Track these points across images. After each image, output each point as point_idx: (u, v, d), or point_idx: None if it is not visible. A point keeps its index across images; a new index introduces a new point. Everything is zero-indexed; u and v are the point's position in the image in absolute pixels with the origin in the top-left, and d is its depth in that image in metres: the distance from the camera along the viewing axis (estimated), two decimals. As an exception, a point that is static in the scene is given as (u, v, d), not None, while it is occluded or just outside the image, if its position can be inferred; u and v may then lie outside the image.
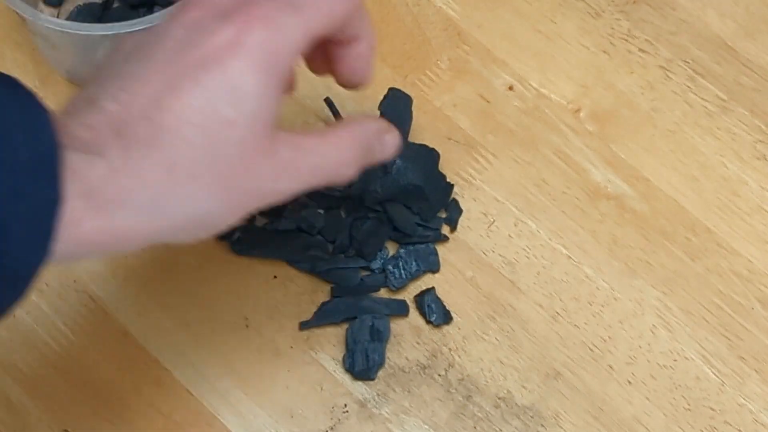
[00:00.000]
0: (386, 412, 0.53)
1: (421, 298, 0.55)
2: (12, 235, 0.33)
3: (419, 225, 0.56)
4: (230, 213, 0.40)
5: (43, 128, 0.35)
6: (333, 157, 0.42)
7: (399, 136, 0.47)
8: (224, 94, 0.38)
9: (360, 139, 0.44)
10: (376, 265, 0.55)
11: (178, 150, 0.37)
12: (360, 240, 0.55)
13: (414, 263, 0.55)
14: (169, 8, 0.52)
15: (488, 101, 0.60)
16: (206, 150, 0.37)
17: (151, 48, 0.39)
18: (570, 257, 0.56)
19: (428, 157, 0.57)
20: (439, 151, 0.57)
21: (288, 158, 0.40)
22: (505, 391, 0.53)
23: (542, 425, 0.53)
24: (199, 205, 0.38)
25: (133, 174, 0.36)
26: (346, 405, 0.53)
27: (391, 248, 0.56)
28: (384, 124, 0.46)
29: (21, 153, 0.34)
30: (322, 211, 0.55)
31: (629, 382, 0.54)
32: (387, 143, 0.46)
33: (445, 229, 0.57)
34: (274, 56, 0.39)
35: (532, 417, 0.53)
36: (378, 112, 0.57)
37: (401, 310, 0.54)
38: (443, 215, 0.57)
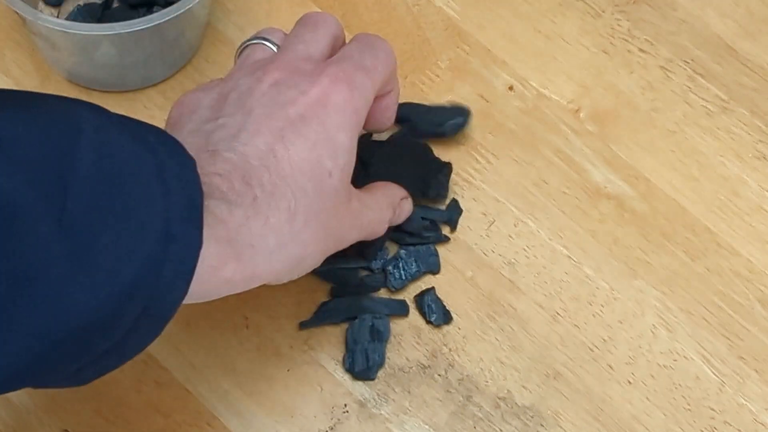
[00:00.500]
0: (386, 412, 0.53)
1: (421, 298, 0.54)
2: (164, 277, 0.35)
3: (424, 219, 0.55)
4: (322, 258, 0.44)
5: (192, 176, 0.37)
6: (378, 215, 0.48)
7: (412, 203, 0.53)
8: (324, 147, 0.42)
9: (390, 201, 0.50)
10: (376, 265, 0.55)
11: (296, 197, 0.41)
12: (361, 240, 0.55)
13: (414, 264, 0.55)
14: (169, 9, 0.53)
15: (488, 101, 0.60)
16: (315, 198, 0.42)
17: (244, 103, 0.43)
18: (570, 257, 0.56)
19: (413, 149, 0.56)
20: (435, 149, 0.57)
21: (357, 210, 0.46)
22: (505, 391, 0.53)
23: (542, 425, 0.53)
24: (308, 250, 0.42)
25: (263, 220, 0.40)
26: (346, 405, 0.53)
27: (392, 249, 0.56)
28: (403, 191, 0.52)
29: (175, 199, 0.36)
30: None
31: (629, 382, 0.54)
32: (404, 208, 0.52)
33: (445, 230, 0.57)
34: (357, 114, 0.44)
35: (532, 417, 0.53)
36: None
37: (401, 310, 0.54)
38: (443, 206, 0.57)
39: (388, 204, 0.50)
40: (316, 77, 0.43)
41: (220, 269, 0.38)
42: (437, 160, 0.57)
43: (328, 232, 0.43)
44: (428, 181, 0.55)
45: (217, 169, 0.40)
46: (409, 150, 0.56)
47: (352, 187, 0.45)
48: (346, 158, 0.43)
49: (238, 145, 0.41)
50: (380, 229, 0.49)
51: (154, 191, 0.35)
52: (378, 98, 0.47)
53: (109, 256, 0.33)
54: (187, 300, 0.37)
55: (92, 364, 0.36)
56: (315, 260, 0.44)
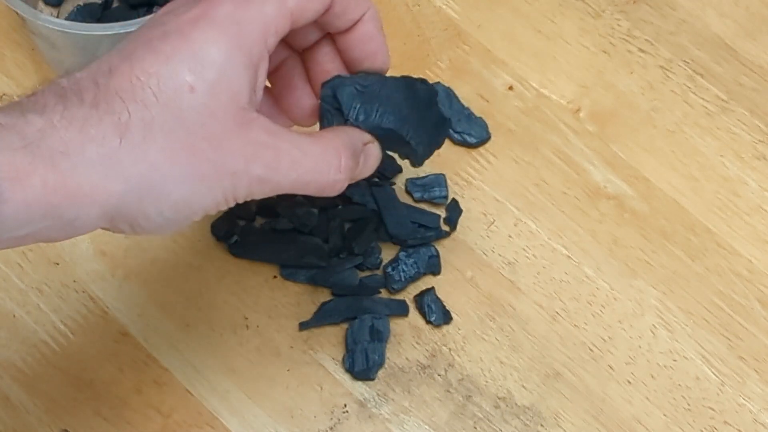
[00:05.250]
0: (386, 412, 0.53)
1: (420, 298, 0.54)
2: None
3: (417, 224, 0.56)
4: (201, 189, 0.39)
5: None
6: (317, 156, 0.41)
7: (380, 148, 0.45)
8: (185, 61, 0.37)
9: (346, 143, 0.43)
10: (372, 263, 0.55)
11: (130, 111, 0.37)
12: (349, 237, 0.55)
13: (414, 266, 0.55)
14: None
15: (488, 101, 0.60)
16: (164, 112, 0.37)
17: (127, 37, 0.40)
18: (570, 257, 0.56)
19: (409, 91, 0.47)
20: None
21: (262, 141, 0.39)
22: (505, 391, 0.53)
23: (542, 425, 0.53)
24: (162, 171, 0.37)
25: (76, 129, 0.36)
26: (346, 405, 0.53)
27: (392, 251, 0.56)
28: (366, 135, 0.45)
29: None
30: (316, 211, 0.55)
31: (629, 382, 0.54)
32: (370, 154, 0.45)
33: (445, 230, 0.56)
34: (242, 27, 0.38)
35: (532, 417, 0.53)
36: None
37: (401, 310, 0.54)
38: (443, 213, 0.57)
39: (340, 144, 0.42)
40: None
41: (25, 179, 0.34)
42: (435, 110, 0.48)
43: (199, 157, 0.38)
44: (427, 141, 0.47)
45: (30, 95, 0.37)
46: (400, 90, 0.46)
47: (257, 116, 0.40)
48: (220, 75, 0.38)
49: (77, 72, 0.38)
50: (334, 176, 0.42)
51: None
52: (349, 33, 0.43)
53: None
54: (19, 234, 0.35)
55: None
56: (195, 193, 0.38)
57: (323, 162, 0.41)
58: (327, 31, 0.44)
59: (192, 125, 0.37)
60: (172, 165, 0.37)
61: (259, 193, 0.40)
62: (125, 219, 0.38)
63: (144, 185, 0.37)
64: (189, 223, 0.40)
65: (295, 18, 0.40)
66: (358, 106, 0.44)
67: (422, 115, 0.47)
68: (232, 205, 0.40)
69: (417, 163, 0.48)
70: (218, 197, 0.39)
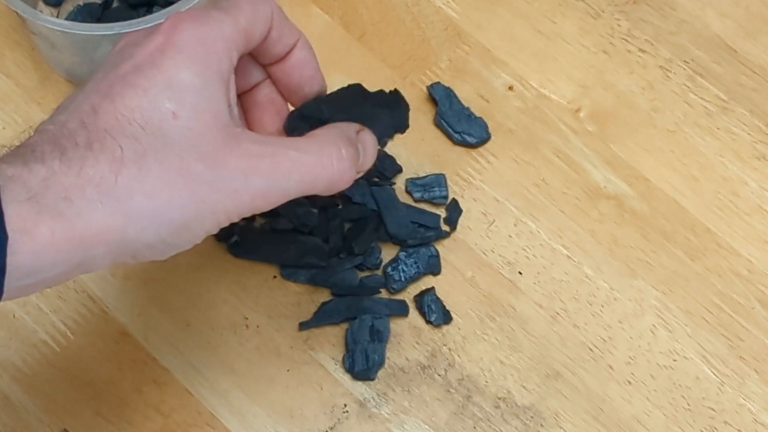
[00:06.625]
0: (386, 412, 0.53)
1: (420, 298, 0.54)
2: None
3: (417, 224, 0.56)
4: (202, 212, 0.39)
5: None
6: (316, 151, 0.41)
7: (372, 134, 0.46)
8: (162, 91, 0.38)
9: (340, 134, 0.43)
10: (372, 262, 0.55)
11: (123, 147, 0.37)
12: (349, 237, 0.55)
13: (414, 266, 0.55)
14: (169, 8, 0.52)
15: (488, 101, 0.60)
16: (154, 142, 0.37)
17: (89, 78, 0.40)
18: (570, 257, 0.56)
19: (363, 93, 0.49)
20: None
21: (255, 152, 0.39)
22: (505, 391, 0.53)
23: (542, 425, 0.53)
24: (156, 197, 0.37)
25: (74, 173, 0.36)
26: (346, 405, 0.53)
27: (392, 251, 0.56)
28: (354, 123, 0.45)
29: None
30: (316, 211, 0.55)
31: (629, 382, 0.54)
32: (365, 140, 0.45)
33: (445, 230, 0.56)
34: (208, 49, 0.39)
35: (532, 417, 0.53)
36: None
37: (401, 310, 0.54)
38: (443, 213, 0.57)
39: (336, 138, 0.42)
40: (160, 25, 0.40)
41: (32, 232, 0.35)
42: (392, 93, 0.50)
43: (196, 180, 0.38)
44: (396, 114, 0.49)
45: (25, 144, 0.37)
46: (360, 94, 0.49)
47: (240, 129, 0.40)
48: (198, 97, 0.39)
49: (59, 115, 0.38)
50: (331, 173, 0.42)
51: None
52: (284, 61, 0.44)
53: None
54: (26, 283, 0.35)
55: None
56: (197, 216, 0.39)
57: (324, 155, 0.41)
58: (265, 63, 0.45)
59: (183, 150, 0.38)
60: (171, 192, 0.38)
61: (265, 205, 0.40)
62: (129, 251, 0.38)
63: (144, 215, 0.37)
64: (191, 246, 0.40)
65: (248, 37, 0.41)
66: (324, 107, 0.45)
67: (376, 102, 0.49)
68: (235, 221, 0.40)
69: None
70: (220, 218, 0.39)
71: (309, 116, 0.45)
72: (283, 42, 0.43)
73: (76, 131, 0.37)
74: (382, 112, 0.47)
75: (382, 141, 0.48)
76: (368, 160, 0.45)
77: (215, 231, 0.40)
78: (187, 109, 0.38)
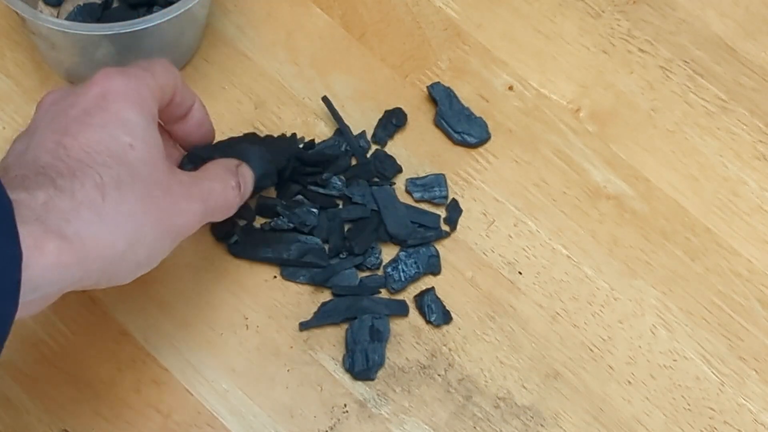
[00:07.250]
0: (386, 412, 0.53)
1: (420, 298, 0.54)
2: None
3: (417, 224, 0.56)
4: (163, 232, 0.44)
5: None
6: (219, 183, 0.48)
7: (250, 168, 0.51)
8: (118, 127, 0.43)
9: (226, 166, 0.49)
10: (373, 262, 0.55)
11: (101, 173, 0.42)
12: (349, 237, 0.55)
13: (414, 266, 0.55)
14: (169, 8, 0.53)
15: (488, 101, 0.60)
16: (122, 170, 0.42)
17: (29, 130, 0.45)
18: (570, 257, 0.56)
19: (253, 137, 0.55)
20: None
21: (188, 182, 0.46)
22: (505, 391, 0.53)
23: (542, 425, 0.53)
24: (139, 221, 0.42)
25: (68, 197, 0.40)
26: (346, 405, 0.53)
27: (392, 251, 0.56)
28: (233, 159, 0.51)
29: None
30: (316, 211, 0.55)
31: (629, 382, 0.54)
32: (244, 173, 0.50)
33: (445, 230, 0.56)
34: (140, 95, 0.45)
35: (532, 417, 0.53)
36: None
37: (401, 310, 0.54)
38: (443, 213, 0.57)
39: (224, 171, 0.49)
40: (91, 80, 0.45)
41: (42, 248, 0.38)
42: (280, 136, 0.56)
43: (157, 204, 0.43)
44: (277, 149, 0.54)
45: (9, 177, 0.41)
46: (248, 138, 0.55)
47: (174, 166, 0.47)
48: (145, 133, 0.44)
49: (27, 155, 0.42)
50: (227, 199, 0.48)
51: None
52: (185, 121, 0.50)
53: None
54: (32, 298, 0.38)
55: None
56: (158, 237, 0.44)
57: (224, 183, 0.48)
58: (168, 123, 0.50)
59: (144, 177, 0.43)
60: (144, 213, 0.43)
61: (197, 226, 0.46)
62: (110, 269, 0.42)
63: (129, 231, 0.42)
64: (148, 270, 0.44)
65: (162, 94, 0.47)
66: (213, 149, 0.52)
67: (255, 141, 0.54)
68: (178, 242, 0.46)
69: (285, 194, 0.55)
70: (175, 238, 0.45)
71: (201, 156, 0.51)
72: (185, 104, 0.50)
73: (53, 164, 0.41)
74: (252, 148, 0.52)
75: (264, 173, 0.52)
76: (248, 191, 0.50)
77: (166, 255, 0.45)
78: (139, 142, 0.43)
